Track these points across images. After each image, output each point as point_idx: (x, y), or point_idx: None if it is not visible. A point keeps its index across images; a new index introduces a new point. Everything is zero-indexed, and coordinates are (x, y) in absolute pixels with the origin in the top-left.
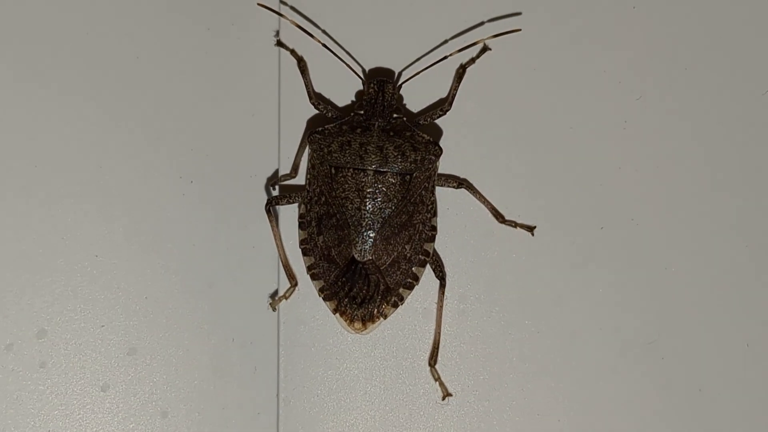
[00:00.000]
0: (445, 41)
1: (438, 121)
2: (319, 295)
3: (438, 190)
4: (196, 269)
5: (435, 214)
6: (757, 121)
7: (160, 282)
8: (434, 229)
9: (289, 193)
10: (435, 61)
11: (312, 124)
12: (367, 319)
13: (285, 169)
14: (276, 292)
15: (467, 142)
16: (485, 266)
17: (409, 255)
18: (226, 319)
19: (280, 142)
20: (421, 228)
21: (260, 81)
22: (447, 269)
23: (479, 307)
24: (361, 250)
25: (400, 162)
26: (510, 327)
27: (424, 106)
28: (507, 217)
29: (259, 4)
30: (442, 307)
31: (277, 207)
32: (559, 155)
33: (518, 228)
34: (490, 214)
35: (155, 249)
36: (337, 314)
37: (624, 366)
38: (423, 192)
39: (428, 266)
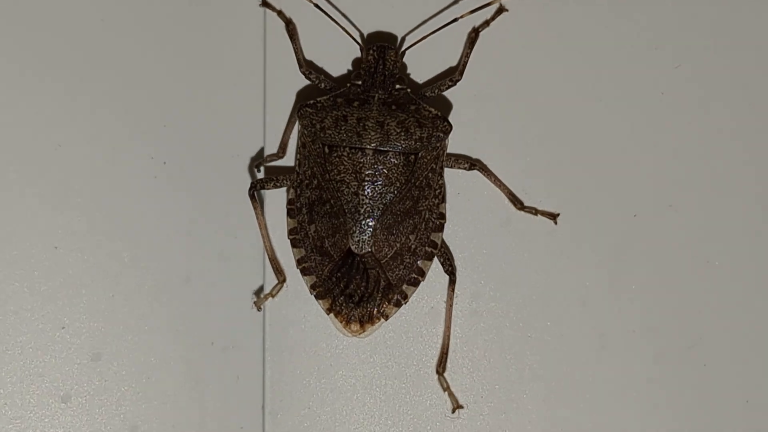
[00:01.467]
0: (456, 1)
1: (447, 94)
2: (311, 293)
3: (447, 172)
4: (170, 263)
5: (444, 200)
6: None
7: (129, 277)
8: (443, 216)
9: (276, 176)
10: (444, 24)
11: (302, 97)
12: (366, 321)
13: (271, 149)
14: (261, 289)
15: (480, 117)
16: (501, 260)
17: (413, 247)
18: (204, 319)
19: (266, 117)
20: (427, 216)
21: (243, 46)
22: (457, 263)
23: (494, 306)
24: (358, 240)
25: (404, 140)
26: (529, 329)
27: (431, 76)
28: (526, 203)
29: None
30: (451, 306)
31: (262, 192)
32: (585, 131)
33: (539, 215)
34: (506, 200)
35: (123, 240)
36: (332, 314)
37: (660, 374)
38: (430, 174)
39: (436, 259)
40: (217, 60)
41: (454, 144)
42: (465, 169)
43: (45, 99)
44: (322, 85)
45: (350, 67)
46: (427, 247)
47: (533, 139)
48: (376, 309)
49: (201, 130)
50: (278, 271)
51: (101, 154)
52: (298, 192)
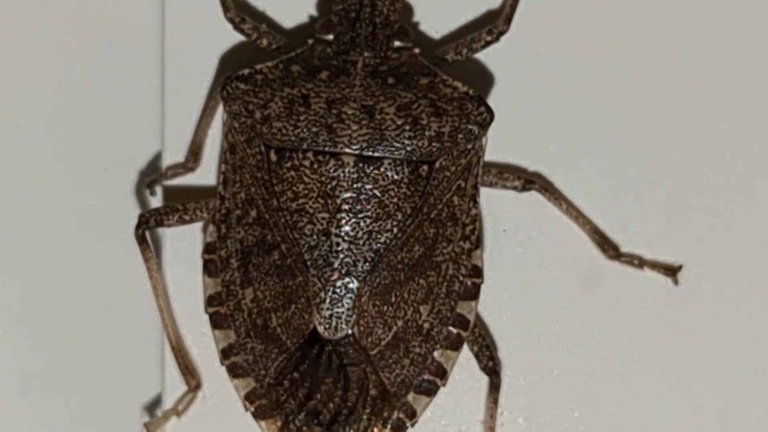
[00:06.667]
0: None
1: (484, 56)
2: (246, 409)
3: (485, 194)
4: (0, 354)
5: (479, 245)
6: None
7: None
8: (477, 273)
9: (183, 204)
10: None
11: (229, 64)
12: None
13: (175, 155)
14: (158, 403)
15: (541, 100)
16: (580, 346)
17: (427, 326)
18: None
19: (164, 99)
20: (450, 272)
21: None
22: (503, 353)
23: (567, 428)
24: (330, 316)
25: (410, 138)
26: None
27: (455, 27)
28: (624, 249)
29: None
30: (493, 429)
31: (158, 230)
32: (708, 131)
33: (646, 269)
34: (589, 241)
35: None
36: None
37: None
38: (455, 199)
39: (465, 349)
40: (84, 6)
41: (499, 147)
42: (516, 189)
43: None
44: (264, 41)
45: (314, 12)
46: (449, 327)
47: (635, 140)
48: None
49: (51, 120)
50: (188, 372)
51: None
52: (224, 230)
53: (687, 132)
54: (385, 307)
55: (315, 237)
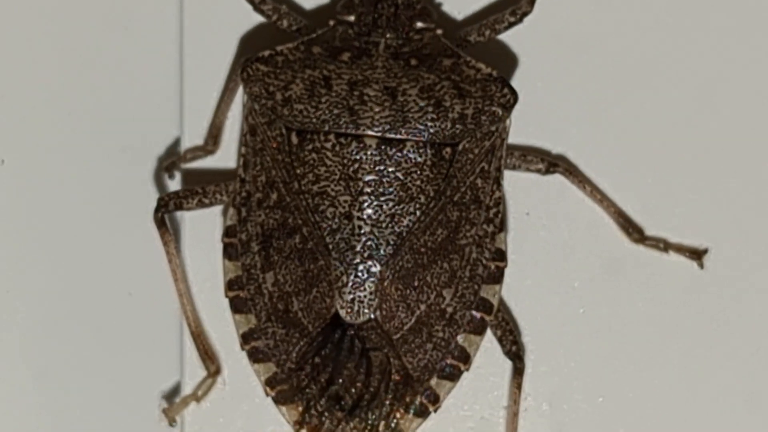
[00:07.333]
0: None
1: (508, 41)
2: (267, 394)
3: (509, 177)
4: (19, 341)
5: (503, 228)
6: None
7: None
8: (501, 256)
9: (203, 187)
10: None
11: (249, 46)
12: None
13: (194, 138)
14: (177, 389)
15: (565, 82)
16: (603, 332)
17: (450, 310)
18: None
19: (183, 82)
20: (474, 255)
21: None
22: (527, 338)
23: (589, 417)
24: (352, 300)
25: (433, 120)
26: None
27: (476, 8)
28: (649, 232)
29: None
30: (517, 414)
31: (178, 213)
32: (735, 114)
33: (671, 253)
34: (613, 225)
35: None
36: (305, 431)
37: None
38: (479, 181)
39: (489, 333)
40: None
41: (522, 129)
42: (540, 172)
43: None
44: (285, 22)
45: None
46: (473, 311)
47: (660, 122)
48: (383, 422)
49: (70, 106)
50: (207, 357)
51: None
52: (244, 214)
53: (713, 115)
54: (408, 291)
55: (337, 220)
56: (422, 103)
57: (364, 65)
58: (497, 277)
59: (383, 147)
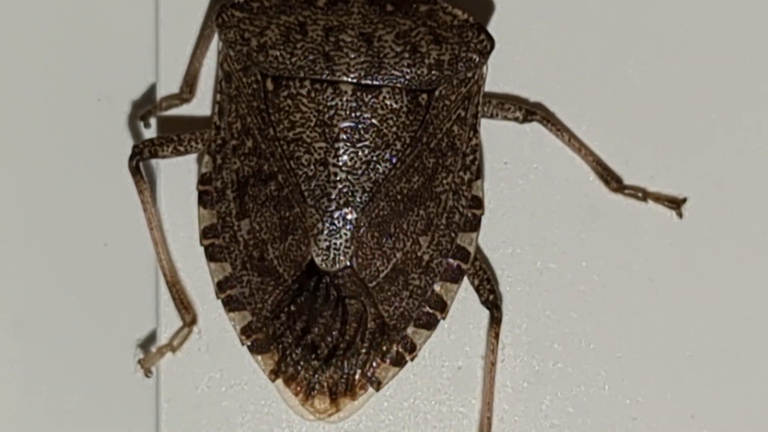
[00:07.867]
0: None
1: None
2: (242, 343)
3: (486, 125)
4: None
5: (480, 175)
6: None
7: None
8: (478, 204)
9: (178, 135)
10: None
11: None
12: (342, 392)
13: (170, 86)
14: (152, 339)
15: (542, 30)
16: (581, 281)
17: (426, 258)
18: (57, 392)
19: (159, 31)
20: (450, 202)
21: None
22: (504, 287)
23: (568, 365)
24: (328, 247)
25: (409, 66)
26: (628, 401)
27: None
28: (627, 181)
29: None
30: (494, 364)
31: (153, 162)
32: (712, 62)
33: (650, 202)
34: (592, 175)
35: None
36: (279, 381)
37: None
38: (455, 128)
39: (466, 281)
40: None
41: (500, 78)
42: (517, 120)
43: None
44: None
45: None
46: (450, 259)
47: (638, 71)
48: (359, 371)
49: (44, 53)
50: (183, 307)
51: None
52: (219, 161)
53: (691, 63)
54: (384, 239)
55: (312, 167)
56: (398, 49)
57: (340, 11)
58: (474, 225)
59: (359, 93)
